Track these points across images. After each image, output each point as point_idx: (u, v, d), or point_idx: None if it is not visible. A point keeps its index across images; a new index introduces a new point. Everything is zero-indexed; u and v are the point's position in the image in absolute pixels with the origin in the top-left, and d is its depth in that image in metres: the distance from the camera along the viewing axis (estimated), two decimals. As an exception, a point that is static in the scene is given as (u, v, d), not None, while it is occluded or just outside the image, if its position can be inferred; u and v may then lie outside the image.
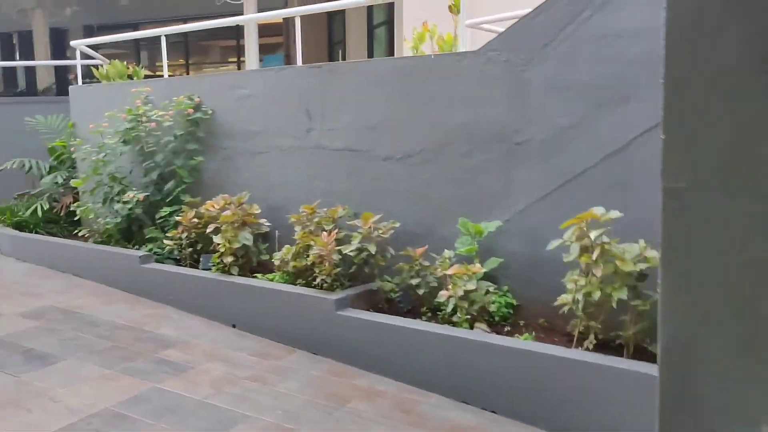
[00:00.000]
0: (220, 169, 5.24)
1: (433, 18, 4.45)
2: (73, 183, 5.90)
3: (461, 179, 3.77)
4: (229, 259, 4.37)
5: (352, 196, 4.28)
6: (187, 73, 15.10)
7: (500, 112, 3.57)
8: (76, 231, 6.01)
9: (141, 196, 5.25)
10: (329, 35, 12.58)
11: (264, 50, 12.20)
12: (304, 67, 4.62)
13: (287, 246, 4.22)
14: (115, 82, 6.27)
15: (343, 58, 10.70)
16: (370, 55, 10.91)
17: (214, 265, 4.49)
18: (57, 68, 12.16)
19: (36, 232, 6.35)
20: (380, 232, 3.84)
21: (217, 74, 7.02)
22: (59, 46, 13.30)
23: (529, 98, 3.45)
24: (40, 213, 6.45)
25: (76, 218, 6.20)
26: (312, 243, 3.93)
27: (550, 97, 3.38)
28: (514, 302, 3.58)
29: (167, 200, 5.33)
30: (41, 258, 5.94)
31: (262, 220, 4.55)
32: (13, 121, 7.73)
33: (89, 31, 14.21)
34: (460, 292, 3.37)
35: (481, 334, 3.25)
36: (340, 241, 3.94)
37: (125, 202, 5.32)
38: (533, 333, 3.37)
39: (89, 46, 6.75)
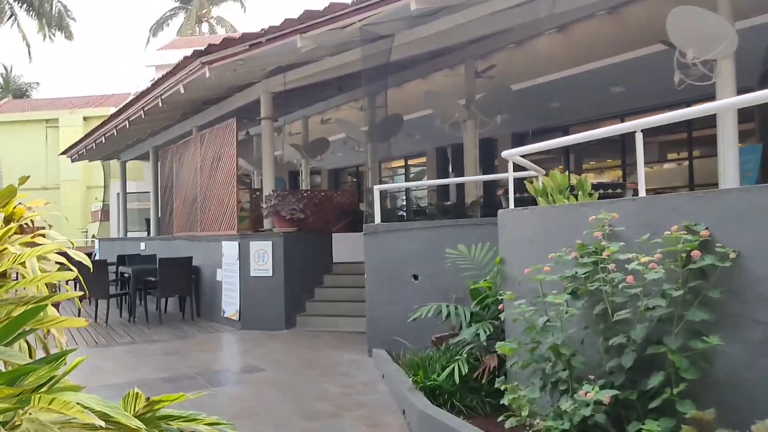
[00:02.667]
0: (753, 362, 2.83)
1: None
2: (499, 348, 4.13)
3: None
4: None
5: None
6: (623, 178, 12.96)
7: None
8: (500, 419, 4.17)
9: (605, 396, 3.13)
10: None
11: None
12: None
13: None
14: (557, 206, 4.44)
15: None
16: None
17: None
18: (484, 182, 11.41)
19: (451, 405, 4.75)
20: None
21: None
22: (488, 158, 12.68)
23: None
24: (457, 377, 4.87)
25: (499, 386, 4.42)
26: None
27: None
28: None
29: (649, 406, 3.09)
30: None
31: None
32: (433, 248, 6.57)
33: (518, 140, 13.36)
34: None
35: None
36: None
37: (577, 401, 3.26)
38: None
39: (523, 156, 5.15)
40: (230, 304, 9.61)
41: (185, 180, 12.20)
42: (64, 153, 17.42)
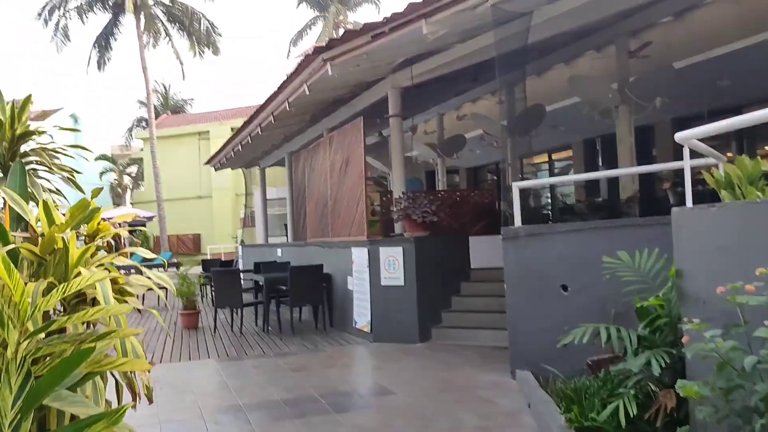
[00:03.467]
0: None
1: None
2: (681, 390, 3.14)
3: None
4: None
5: None
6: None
7: None
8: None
9: None
10: None
11: None
12: None
13: None
14: (761, 201, 3.35)
15: None
16: None
17: None
18: (640, 176, 10.07)
19: (615, 454, 3.79)
20: None
21: None
22: (644, 147, 11.26)
23: None
24: (623, 417, 3.89)
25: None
26: None
27: None
28: None
29: None
30: None
31: None
32: (585, 254, 5.58)
33: (679, 125, 11.78)
34: None
35: None
36: None
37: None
38: None
39: (701, 140, 4.06)
40: (361, 315, 9.09)
41: (316, 184, 11.92)
42: (208, 162, 17.98)
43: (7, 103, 3.37)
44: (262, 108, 11.09)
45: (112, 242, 3.47)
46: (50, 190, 3.44)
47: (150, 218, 32.70)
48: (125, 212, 29.39)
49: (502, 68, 7.92)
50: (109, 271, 2.77)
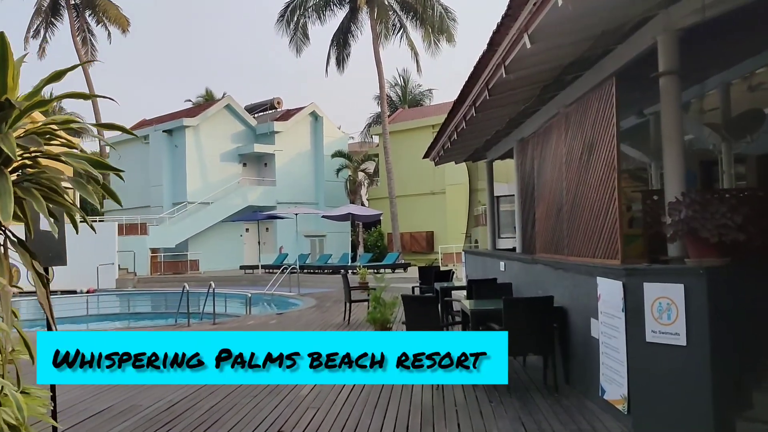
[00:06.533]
0: None
1: None
2: None
3: None
4: None
5: None
6: None
7: None
8: None
9: None
10: None
11: None
12: None
13: None
14: None
15: None
16: None
17: None
18: None
19: None
20: None
21: None
22: None
23: None
24: None
25: None
26: None
27: None
28: None
29: None
30: None
31: None
32: None
33: None
34: None
35: None
36: None
37: None
38: None
39: None
40: (612, 381, 5.90)
41: (547, 180, 8.84)
42: (426, 156, 15.73)
43: None
44: (473, 80, 8.33)
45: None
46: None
47: (377, 216, 31.86)
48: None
49: None
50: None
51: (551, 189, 8.60)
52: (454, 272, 13.34)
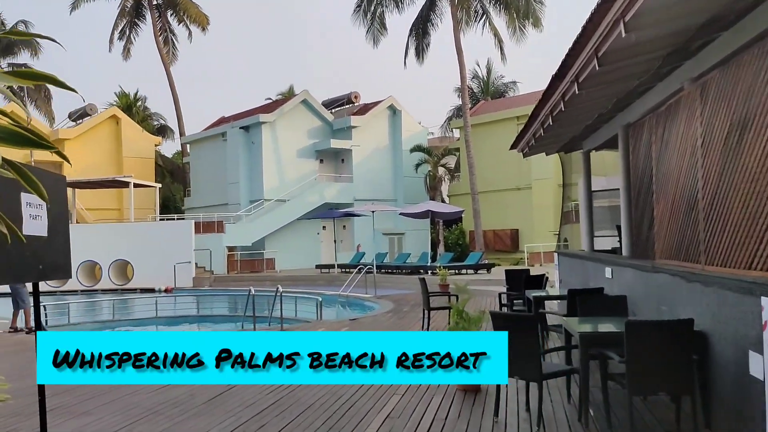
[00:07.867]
0: None
1: None
2: None
3: None
4: None
5: None
6: None
7: None
8: None
9: None
10: None
11: None
12: None
13: None
14: None
15: None
16: None
17: None
18: None
19: None
20: None
21: None
22: None
23: None
24: None
25: None
26: None
27: None
28: None
29: None
30: None
31: None
32: None
33: None
34: None
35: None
36: None
37: None
38: None
39: None
40: (788, 442, 4.31)
41: (672, 170, 7.18)
42: (513, 147, 14.16)
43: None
44: (579, 46, 6.78)
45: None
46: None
47: (459, 213, 30.29)
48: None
49: None
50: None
51: (679, 180, 6.94)
52: (547, 278, 11.74)
